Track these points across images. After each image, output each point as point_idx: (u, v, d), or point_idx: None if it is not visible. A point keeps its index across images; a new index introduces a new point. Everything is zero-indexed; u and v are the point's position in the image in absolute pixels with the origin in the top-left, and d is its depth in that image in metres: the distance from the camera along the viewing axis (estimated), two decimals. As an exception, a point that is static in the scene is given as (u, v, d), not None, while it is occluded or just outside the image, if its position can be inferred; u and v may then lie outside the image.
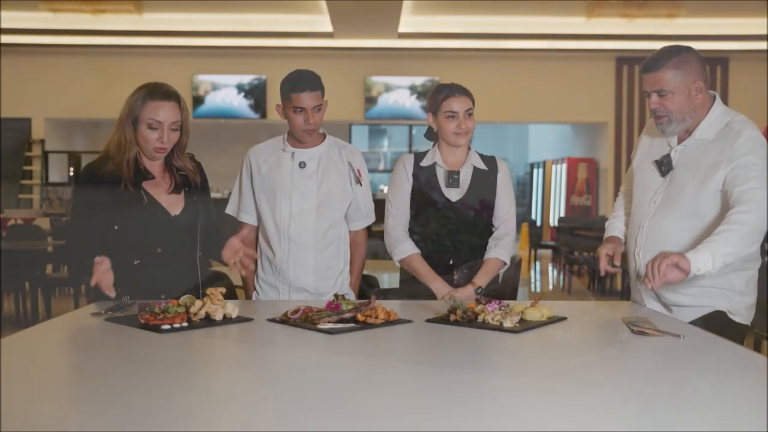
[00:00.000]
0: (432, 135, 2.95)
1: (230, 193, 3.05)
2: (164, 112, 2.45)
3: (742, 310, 2.42)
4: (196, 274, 2.58)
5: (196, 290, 2.54)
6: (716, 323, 2.33)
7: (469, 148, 2.94)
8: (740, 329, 2.42)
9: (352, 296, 2.91)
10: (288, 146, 2.87)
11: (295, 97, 2.73)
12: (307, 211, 2.82)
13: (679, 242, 2.35)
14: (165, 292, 2.48)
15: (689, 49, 2.40)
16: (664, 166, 2.46)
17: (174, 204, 2.53)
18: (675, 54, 2.37)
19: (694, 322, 2.31)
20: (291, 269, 2.83)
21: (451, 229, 2.86)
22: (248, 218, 2.94)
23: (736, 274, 2.38)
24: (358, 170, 2.92)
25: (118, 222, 2.46)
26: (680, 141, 2.46)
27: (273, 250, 2.84)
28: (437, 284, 2.82)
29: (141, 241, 2.47)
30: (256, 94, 12.49)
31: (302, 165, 2.84)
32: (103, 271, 2.29)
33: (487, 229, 2.92)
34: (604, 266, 2.53)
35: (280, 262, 2.83)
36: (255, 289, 2.93)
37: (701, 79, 2.38)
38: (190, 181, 2.58)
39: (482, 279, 2.83)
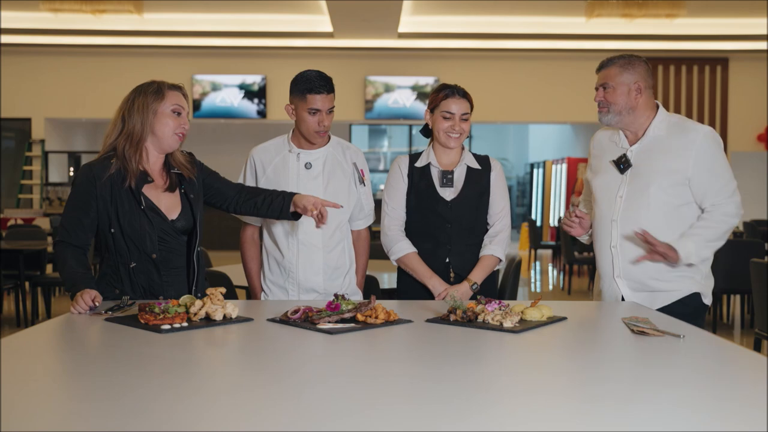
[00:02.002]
0: (427, 132, 2.97)
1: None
2: (181, 99, 2.52)
3: (708, 293, 2.68)
4: (193, 276, 2.58)
5: (194, 292, 2.54)
6: (692, 304, 2.62)
7: (463, 148, 2.97)
8: (706, 310, 2.71)
9: (359, 296, 2.91)
10: (293, 147, 2.86)
11: (311, 98, 2.73)
12: None
13: (653, 230, 2.55)
14: (161, 294, 2.49)
15: (639, 57, 2.69)
16: (623, 164, 2.67)
17: (171, 208, 2.52)
18: (623, 58, 2.68)
19: (674, 304, 2.58)
20: (300, 270, 2.83)
21: (446, 228, 2.87)
22: (253, 219, 2.93)
23: (702, 261, 2.64)
24: (362, 170, 2.93)
25: (115, 225, 2.46)
26: (631, 143, 2.70)
27: (281, 251, 2.84)
28: (434, 282, 2.84)
29: (137, 246, 2.47)
30: (256, 94, 12.49)
31: (308, 166, 2.84)
32: (89, 300, 2.28)
33: (482, 227, 2.93)
34: (570, 214, 2.77)
35: (288, 264, 2.83)
36: (263, 289, 2.92)
37: (643, 83, 2.65)
38: (186, 179, 2.59)
39: (478, 275, 2.85)
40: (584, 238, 2.88)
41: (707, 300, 2.67)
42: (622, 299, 2.67)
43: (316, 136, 2.79)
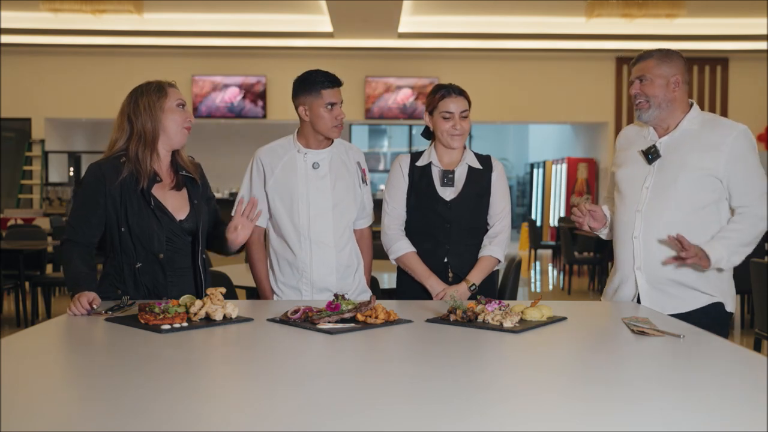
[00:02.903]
0: (429, 134, 2.97)
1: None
2: (181, 95, 2.59)
3: (731, 300, 2.59)
4: (199, 278, 2.58)
5: (198, 295, 2.54)
6: (714, 313, 2.53)
7: (465, 148, 2.97)
8: (730, 317, 2.61)
9: (368, 293, 2.92)
10: (300, 147, 2.87)
11: (326, 93, 2.76)
12: (325, 212, 2.83)
13: (678, 223, 2.50)
14: (166, 295, 2.49)
15: (678, 52, 2.63)
16: (652, 154, 2.60)
17: (180, 208, 2.54)
18: (662, 51, 2.62)
19: (695, 312, 2.50)
20: (314, 270, 2.83)
21: (446, 228, 2.87)
22: (259, 221, 2.89)
23: (732, 266, 2.56)
24: (364, 170, 2.95)
25: (124, 225, 2.46)
26: (661, 137, 2.63)
27: (294, 251, 2.84)
28: (432, 282, 2.84)
29: (144, 246, 2.47)
30: (256, 94, 12.49)
31: (315, 166, 2.85)
32: (86, 304, 2.26)
33: (482, 228, 2.93)
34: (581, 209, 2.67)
35: (302, 264, 2.83)
36: (274, 291, 2.91)
37: (681, 76, 2.59)
38: (192, 180, 2.60)
39: (476, 276, 2.85)
40: (603, 233, 2.78)
41: (730, 308, 2.57)
42: (638, 297, 2.58)
43: (335, 130, 2.81)
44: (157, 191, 2.50)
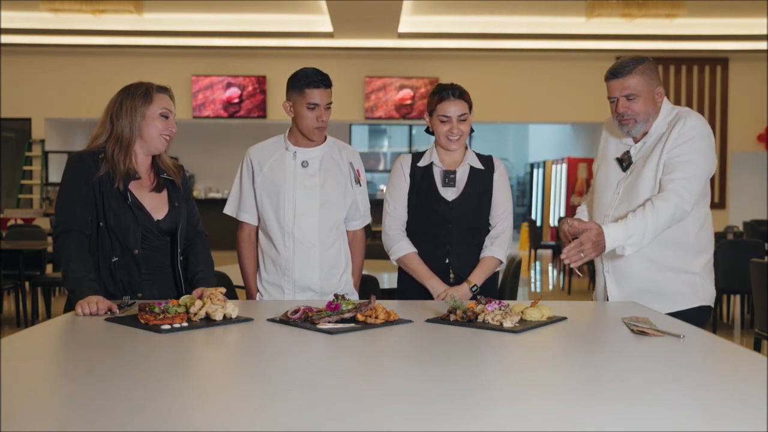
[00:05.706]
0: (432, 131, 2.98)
1: (229, 194, 3.05)
2: (168, 102, 2.55)
3: (699, 291, 2.56)
4: (177, 277, 2.58)
5: (178, 293, 2.54)
6: (692, 315, 2.48)
7: (466, 148, 2.96)
8: (706, 311, 2.59)
9: (355, 296, 2.91)
10: (290, 145, 2.87)
11: (309, 92, 2.74)
12: (311, 211, 2.82)
13: None
14: (141, 291, 2.50)
15: (649, 59, 2.59)
16: (625, 162, 2.64)
17: (158, 208, 2.55)
18: (639, 62, 2.55)
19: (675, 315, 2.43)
20: (297, 268, 2.83)
21: (447, 228, 2.87)
22: (249, 218, 2.93)
23: (695, 259, 2.56)
24: (358, 171, 2.93)
25: (102, 219, 2.47)
26: (636, 140, 2.63)
27: (277, 249, 2.84)
28: (433, 283, 2.84)
29: (121, 242, 2.48)
30: (256, 94, 12.49)
31: (305, 164, 2.84)
32: (98, 309, 2.26)
33: (484, 228, 2.93)
34: (570, 228, 2.44)
35: (285, 262, 2.83)
36: (258, 290, 2.92)
37: (660, 86, 2.59)
38: (173, 182, 2.61)
39: (478, 277, 2.85)
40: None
41: (699, 300, 2.55)
42: (607, 297, 2.65)
43: (315, 131, 2.79)
44: (135, 189, 2.51)
